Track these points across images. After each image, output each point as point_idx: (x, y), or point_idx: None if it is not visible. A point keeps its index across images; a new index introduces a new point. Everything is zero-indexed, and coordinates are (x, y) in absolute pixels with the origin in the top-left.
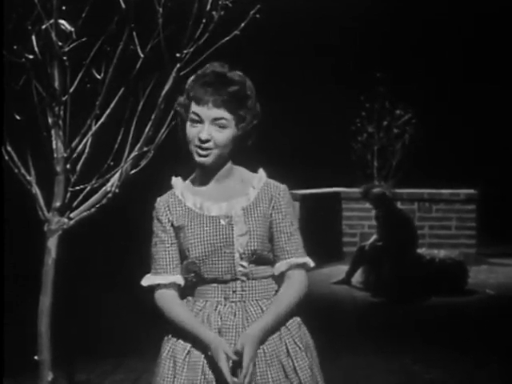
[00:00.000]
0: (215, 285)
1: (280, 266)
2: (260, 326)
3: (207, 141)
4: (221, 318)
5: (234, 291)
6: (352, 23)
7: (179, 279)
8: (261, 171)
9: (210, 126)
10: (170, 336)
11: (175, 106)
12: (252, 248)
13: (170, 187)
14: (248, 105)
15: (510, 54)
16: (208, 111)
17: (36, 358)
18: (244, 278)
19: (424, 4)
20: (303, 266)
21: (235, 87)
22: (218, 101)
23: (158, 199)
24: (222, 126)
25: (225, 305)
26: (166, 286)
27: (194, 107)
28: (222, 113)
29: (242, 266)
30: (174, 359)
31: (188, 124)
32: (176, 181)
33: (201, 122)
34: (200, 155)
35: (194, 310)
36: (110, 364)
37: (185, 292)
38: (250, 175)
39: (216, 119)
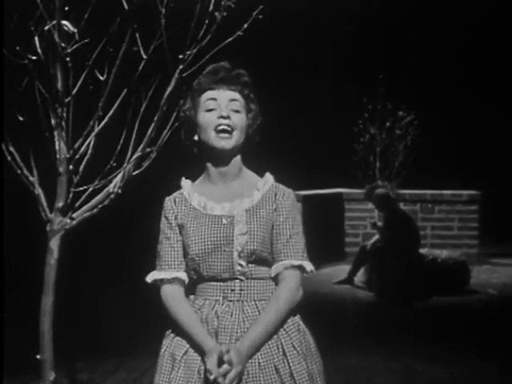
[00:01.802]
0: (214, 283)
1: (276, 268)
2: (248, 342)
3: (228, 117)
4: (217, 318)
5: (232, 290)
6: (354, 24)
7: (184, 276)
8: (267, 175)
9: (227, 108)
10: (170, 331)
11: (183, 113)
12: (251, 248)
13: (174, 188)
14: (254, 98)
15: (511, 54)
16: (224, 92)
17: (38, 357)
18: (242, 278)
19: (426, 5)
20: (299, 268)
21: (245, 78)
22: (231, 86)
23: (167, 198)
24: (237, 110)
25: (222, 304)
26: (170, 281)
27: (208, 94)
28: (236, 95)
29: (240, 264)
30: (173, 355)
31: (202, 114)
32: (185, 182)
33: (217, 106)
34: (221, 138)
35: (194, 309)
36: (112, 363)
37: (186, 289)
38: (256, 179)
39: (232, 100)
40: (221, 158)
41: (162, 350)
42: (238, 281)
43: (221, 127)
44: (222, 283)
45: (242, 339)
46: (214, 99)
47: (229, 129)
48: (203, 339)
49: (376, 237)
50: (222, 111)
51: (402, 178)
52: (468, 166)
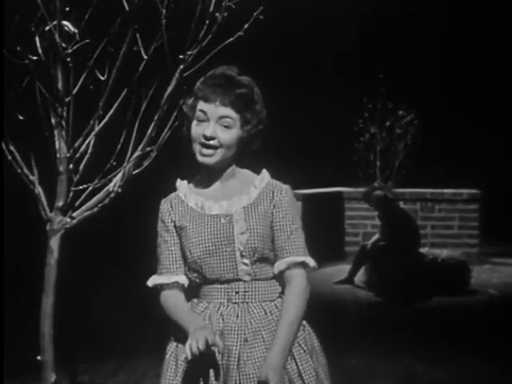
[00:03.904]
0: (218, 285)
1: (279, 265)
2: (278, 351)
3: (212, 138)
4: (223, 320)
5: (236, 292)
6: (355, 24)
7: (183, 279)
8: (264, 171)
9: (216, 125)
10: (173, 337)
11: (182, 107)
12: (252, 246)
13: (173, 188)
14: (254, 108)
15: (511, 54)
16: (215, 109)
17: (38, 358)
18: (247, 278)
19: (427, 4)
20: (302, 264)
21: (243, 89)
22: (225, 100)
23: (163, 200)
24: (227, 126)
25: (227, 306)
26: (168, 285)
27: (201, 105)
28: (228, 111)
29: (244, 263)
30: (177, 361)
31: (194, 123)
32: (180, 183)
33: (207, 120)
34: (203, 154)
35: (197, 311)
36: (113, 365)
37: (189, 294)
38: (253, 176)
39: (222, 117)
40: (209, 168)
41: (167, 356)
42: (241, 282)
43: (204, 145)
44: (225, 285)
45: (271, 354)
46: (205, 113)
47: (214, 145)
48: (194, 322)
49: (376, 236)
50: (207, 130)
51: (401, 176)
52: (468, 165)
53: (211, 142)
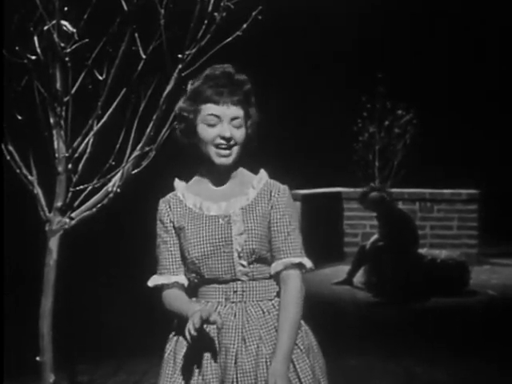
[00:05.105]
0: (216, 285)
1: (276, 266)
2: (282, 357)
3: (230, 139)
4: (221, 319)
5: (234, 291)
6: (354, 23)
7: (182, 279)
8: (262, 172)
9: (229, 125)
10: (172, 335)
11: (179, 112)
12: (250, 247)
13: (172, 188)
14: (253, 103)
15: (510, 53)
16: (228, 110)
17: (38, 359)
18: (244, 278)
19: (426, 4)
20: (299, 265)
21: (248, 86)
22: (235, 100)
23: (161, 201)
24: (238, 125)
25: (225, 305)
26: (168, 286)
27: (211, 108)
28: (238, 111)
29: (242, 264)
30: (175, 359)
31: (202, 126)
32: (178, 183)
33: (220, 121)
34: (221, 155)
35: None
36: (112, 365)
37: (188, 293)
38: (251, 176)
39: (234, 118)
40: (218, 168)
41: (166, 355)
42: (239, 282)
43: (221, 146)
44: (224, 285)
45: (276, 361)
46: (217, 116)
47: (232, 145)
48: (191, 308)
49: (375, 236)
50: (225, 131)
51: (400, 176)
52: (468, 165)
53: (230, 143)
